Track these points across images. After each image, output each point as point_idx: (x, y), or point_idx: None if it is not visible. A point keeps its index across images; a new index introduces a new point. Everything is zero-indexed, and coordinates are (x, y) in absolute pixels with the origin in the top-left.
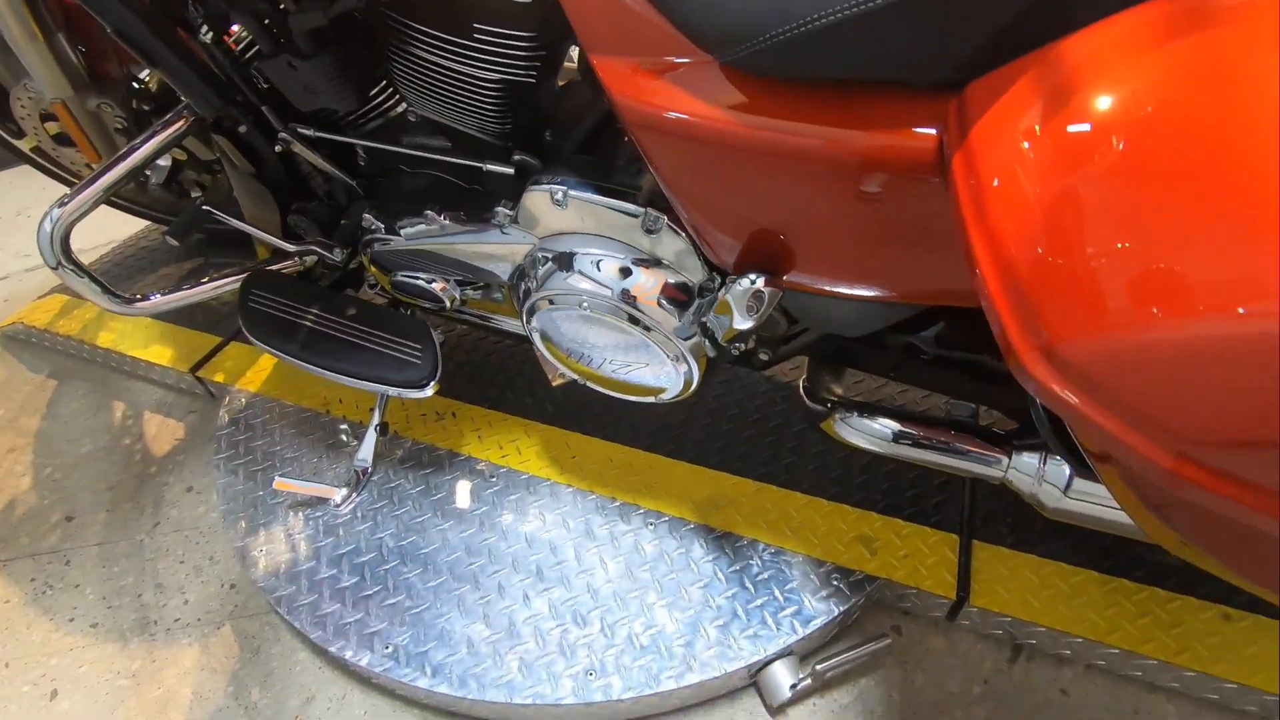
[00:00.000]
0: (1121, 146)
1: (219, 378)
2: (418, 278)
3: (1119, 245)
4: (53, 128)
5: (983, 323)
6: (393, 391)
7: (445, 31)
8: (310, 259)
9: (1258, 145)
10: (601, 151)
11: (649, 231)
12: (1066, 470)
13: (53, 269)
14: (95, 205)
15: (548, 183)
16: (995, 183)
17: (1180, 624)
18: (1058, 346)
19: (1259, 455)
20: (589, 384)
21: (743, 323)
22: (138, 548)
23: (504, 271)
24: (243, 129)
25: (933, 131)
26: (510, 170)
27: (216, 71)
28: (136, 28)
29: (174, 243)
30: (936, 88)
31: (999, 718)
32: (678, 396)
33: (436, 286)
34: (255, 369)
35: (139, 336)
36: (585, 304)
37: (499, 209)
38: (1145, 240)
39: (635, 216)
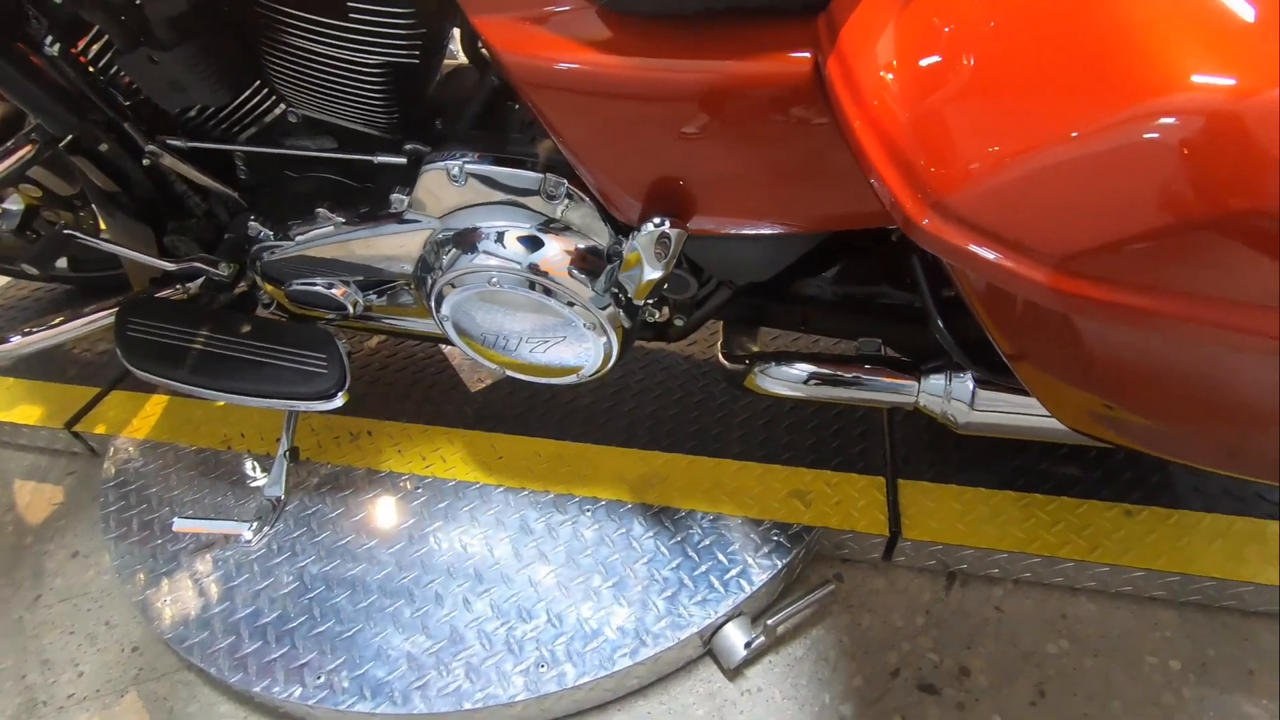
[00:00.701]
0: (968, 26)
1: (100, 429)
2: (315, 284)
3: (975, 105)
4: None
5: (877, 256)
6: (301, 406)
7: (318, 14)
8: (194, 284)
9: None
10: (495, 129)
11: (550, 198)
12: (970, 385)
13: None
14: None
15: (444, 160)
16: (868, 73)
17: (1089, 525)
18: (942, 199)
19: (1110, 256)
20: (510, 373)
21: (653, 271)
22: (16, 626)
23: (406, 267)
24: (104, 147)
25: (807, 55)
26: (403, 160)
27: (67, 87)
28: None
29: (33, 272)
30: (806, 10)
31: (944, 643)
32: (598, 371)
33: (336, 292)
34: (141, 415)
35: (1, 399)
36: (494, 279)
37: (395, 195)
38: (997, 96)
39: (534, 183)
